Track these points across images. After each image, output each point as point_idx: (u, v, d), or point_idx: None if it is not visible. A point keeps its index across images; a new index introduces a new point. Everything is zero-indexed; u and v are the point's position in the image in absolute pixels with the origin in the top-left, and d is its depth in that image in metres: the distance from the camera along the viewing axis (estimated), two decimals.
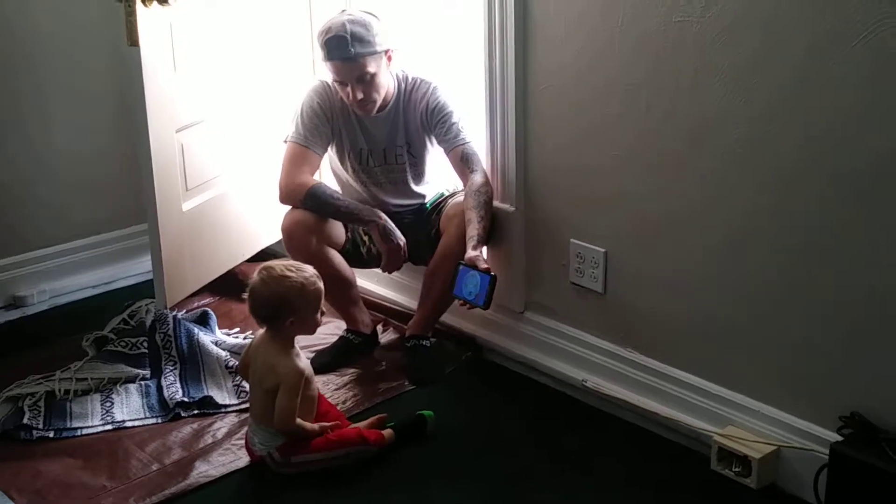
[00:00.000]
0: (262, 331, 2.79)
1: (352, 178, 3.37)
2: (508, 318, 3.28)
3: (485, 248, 3.13)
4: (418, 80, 3.25)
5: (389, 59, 3.15)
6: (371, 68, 3.08)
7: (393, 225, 3.20)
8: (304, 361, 2.75)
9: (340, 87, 3.15)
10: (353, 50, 3.03)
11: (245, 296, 2.73)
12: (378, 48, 3.08)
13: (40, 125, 3.80)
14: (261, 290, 2.69)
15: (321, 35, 3.09)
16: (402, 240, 3.20)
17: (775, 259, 2.54)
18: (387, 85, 3.19)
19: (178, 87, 3.32)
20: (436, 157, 3.31)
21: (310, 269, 2.75)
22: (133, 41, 3.06)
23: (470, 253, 2.95)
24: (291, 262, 2.81)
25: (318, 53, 3.15)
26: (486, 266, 2.92)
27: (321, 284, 2.74)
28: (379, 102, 3.19)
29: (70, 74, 3.83)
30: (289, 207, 3.24)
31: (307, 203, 3.18)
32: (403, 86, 3.25)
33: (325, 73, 3.23)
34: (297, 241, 3.20)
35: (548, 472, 2.74)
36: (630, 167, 2.80)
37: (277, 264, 2.74)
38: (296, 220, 3.20)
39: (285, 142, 3.27)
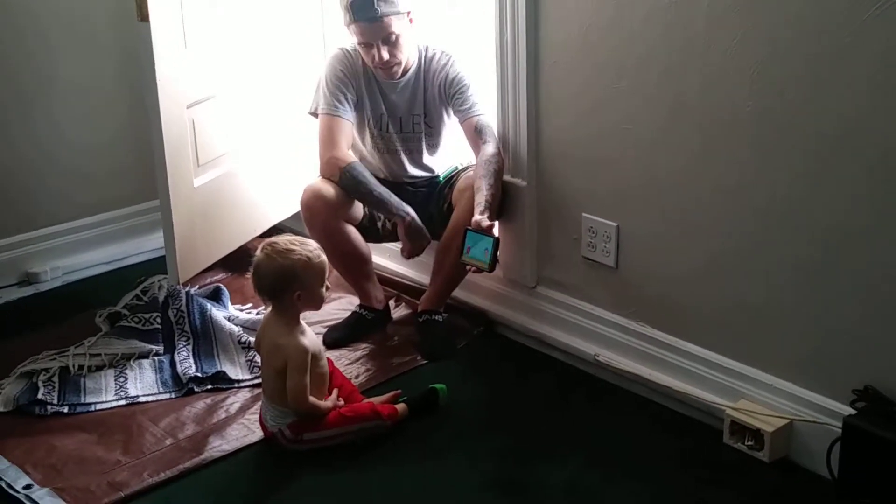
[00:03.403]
0: (270, 309, 2.79)
1: (369, 145, 3.37)
2: (520, 292, 3.28)
3: (497, 224, 3.13)
4: (438, 52, 3.26)
5: (411, 20, 3.15)
6: (396, 28, 3.09)
7: (420, 223, 3.21)
8: (310, 338, 2.74)
9: (365, 50, 3.15)
10: (378, 10, 3.05)
11: (249, 273, 2.73)
12: (401, 8, 3.10)
13: (50, 103, 3.80)
14: (267, 265, 2.68)
15: None
16: (427, 238, 3.23)
17: (788, 233, 2.52)
18: (410, 48, 3.20)
19: (188, 62, 3.31)
20: (451, 130, 3.31)
21: (313, 243, 2.76)
22: (143, 16, 3.06)
23: (476, 217, 2.94)
24: (293, 236, 2.80)
25: (340, 18, 3.15)
26: (490, 229, 2.92)
27: (325, 258, 2.75)
28: (403, 64, 3.20)
29: (80, 53, 3.83)
30: (307, 182, 3.25)
31: (343, 180, 3.18)
32: (424, 54, 3.26)
33: (338, 45, 3.24)
34: (316, 215, 3.21)
35: (559, 446, 2.75)
36: (641, 141, 2.79)
37: (280, 239, 2.73)
38: (315, 195, 3.20)
39: (312, 114, 3.29)
